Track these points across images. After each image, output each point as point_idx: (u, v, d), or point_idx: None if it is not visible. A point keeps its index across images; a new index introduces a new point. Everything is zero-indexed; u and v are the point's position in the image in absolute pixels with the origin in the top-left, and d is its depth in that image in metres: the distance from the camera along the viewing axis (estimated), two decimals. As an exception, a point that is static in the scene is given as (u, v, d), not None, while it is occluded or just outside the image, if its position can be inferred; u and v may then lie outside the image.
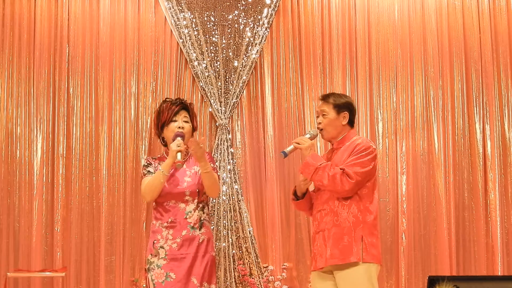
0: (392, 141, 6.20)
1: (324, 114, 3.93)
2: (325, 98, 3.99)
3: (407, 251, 6.07)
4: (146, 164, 3.92)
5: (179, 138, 3.85)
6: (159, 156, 4.03)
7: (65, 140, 6.02)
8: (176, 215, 3.85)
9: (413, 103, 6.27)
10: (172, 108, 3.94)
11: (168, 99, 4.06)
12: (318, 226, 3.86)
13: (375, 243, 3.80)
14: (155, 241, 3.84)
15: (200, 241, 3.90)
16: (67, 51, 6.11)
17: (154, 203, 3.94)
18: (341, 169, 3.76)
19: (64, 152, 6.00)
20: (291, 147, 3.95)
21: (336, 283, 3.81)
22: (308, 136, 3.97)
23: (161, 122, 3.94)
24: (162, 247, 3.81)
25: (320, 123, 3.95)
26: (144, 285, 5.70)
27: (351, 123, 3.97)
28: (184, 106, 4.01)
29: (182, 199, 3.88)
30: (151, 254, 3.84)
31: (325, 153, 4.17)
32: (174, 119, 3.93)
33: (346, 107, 3.95)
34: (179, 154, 3.80)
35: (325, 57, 6.28)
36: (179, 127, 3.91)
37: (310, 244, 6.06)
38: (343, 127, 3.94)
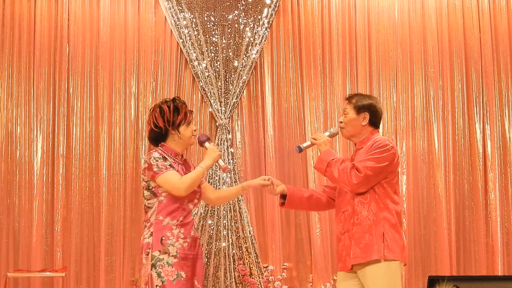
0: (392, 141, 6.18)
1: (345, 113, 3.99)
2: (349, 98, 4.06)
3: (407, 251, 6.07)
4: (162, 157, 3.87)
5: (211, 143, 3.93)
6: (160, 150, 3.96)
7: (65, 140, 6.02)
8: (186, 215, 3.86)
9: (413, 103, 6.27)
10: (190, 111, 3.97)
11: (178, 98, 4.04)
12: (343, 226, 3.88)
13: (398, 240, 3.80)
14: (163, 238, 3.80)
15: (199, 243, 3.92)
16: (67, 51, 6.11)
17: (161, 198, 3.88)
18: (351, 163, 3.80)
19: (64, 152, 6.01)
20: (308, 143, 4.05)
21: (360, 282, 3.84)
22: (327, 134, 4.06)
23: (180, 118, 3.92)
24: (172, 245, 3.79)
25: (341, 121, 4.01)
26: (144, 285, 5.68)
27: (373, 124, 3.98)
28: (192, 113, 4.05)
29: (192, 201, 3.89)
30: (159, 251, 3.80)
31: (349, 156, 4.22)
32: (191, 121, 3.97)
33: (367, 108, 3.97)
34: (221, 160, 3.92)
35: (325, 57, 6.28)
36: (195, 130, 3.97)
37: (310, 244, 6.07)
38: (363, 127, 3.96)
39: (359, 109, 3.96)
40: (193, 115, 4.03)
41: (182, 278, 3.76)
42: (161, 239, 3.78)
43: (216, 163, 3.96)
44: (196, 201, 3.92)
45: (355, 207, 3.82)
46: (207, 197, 4.10)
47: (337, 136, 4.41)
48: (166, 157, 3.88)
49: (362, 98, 4.03)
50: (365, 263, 3.75)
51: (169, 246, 3.77)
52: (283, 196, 4.13)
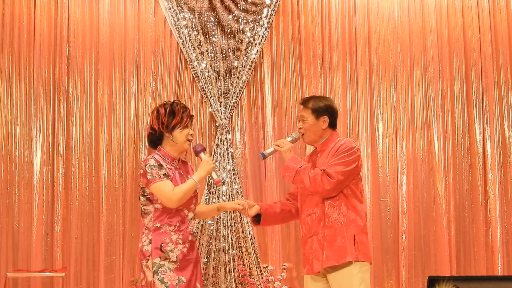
0: (392, 141, 6.20)
1: (303, 120, 3.93)
2: (304, 103, 3.98)
3: (407, 251, 6.07)
4: (157, 165, 3.84)
5: (206, 154, 3.89)
6: (157, 155, 3.94)
7: (65, 140, 6.02)
8: (182, 220, 3.85)
9: (413, 103, 6.27)
10: (187, 113, 3.93)
11: (178, 102, 4.01)
12: (310, 229, 3.87)
13: (366, 242, 3.84)
14: (162, 244, 3.81)
15: (197, 246, 3.93)
16: (67, 51, 6.11)
17: (156, 205, 3.89)
18: (321, 169, 3.77)
19: (64, 152, 6.00)
20: (271, 149, 3.97)
21: (328, 285, 3.83)
22: (289, 139, 3.98)
23: (174, 122, 3.89)
24: (172, 250, 3.80)
25: (300, 128, 3.95)
26: None
27: (332, 125, 3.96)
28: (192, 117, 4.02)
29: (188, 206, 3.88)
30: (160, 257, 3.80)
31: (307, 156, 4.18)
32: (188, 125, 3.93)
33: (325, 111, 3.93)
34: (214, 173, 3.86)
35: (325, 57, 6.28)
36: (191, 134, 3.92)
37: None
38: (324, 130, 3.94)
39: (318, 113, 3.91)
40: (192, 120, 3.99)
41: (183, 283, 3.77)
42: (160, 246, 3.79)
43: (210, 175, 3.91)
44: (192, 206, 3.91)
45: (326, 210, 3.80)
46: None
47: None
48: (162, 163, 3.86)
49: (318, 101, 3.97)
50: (338, 265, 3.75)
51: (168, 252, 3.78)
52: (256, 215, 4.04)
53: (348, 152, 3.80)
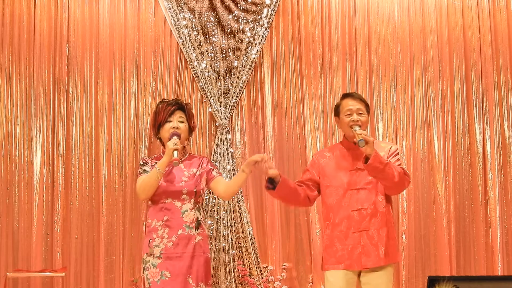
0: (392, 141, 6.20)
1: (361, 113, 3.94)
2: (358, 98, 4.02)
3: (407, 251, 6.07)
4: (142, 163, 3.96)
5: (175, 137, 3.90)
6: (155, 156, 4.07)
7: (65, 140, 6.02)
8: (172, 213, 3.87)
9: (413, 103, 6.27)
10: (168, 108, 3.98)
11: (164, 100, 4.09)
12: (357, 225, 3.84)
13: None
14: (150, 240, 3.85)
15: (196, 241, 3.90)
16: (67, 51, 6.11)
17: (149, 202, 3.95)
18: (401, 168, 3.84)
19: (64, 152, 6.00)
20: (361, 137, 3.77)
21: (352, 280, 3.84)
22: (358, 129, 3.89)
23: (157, 122, 3.98)
24: (157, 245, 3.82)
25: (358, 120, 3.92)
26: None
27: None
28: (179, 106, 4.04)
29: (179, 198, 3.89)
30: (146, 253, 3.85)
31: (328, 149, 4.19)
32: (169, 119, 3.96)
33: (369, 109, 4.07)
34: (175, 153, 3.84)
35: (325, 57, 6.28)
36: (174, 127, 3.94)
37: (310, 244, 6.07)
38: None
39: (368, 110, 4.00)
40: (178, 110, 4.03)
41: (166, 278, 3.79)
42: (149, 242, 3.83)
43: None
44: (185, 196, 3.90)
45: (382, 208, 3.83)
46: (218, 193, 4.06)
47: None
48: (148, 161, 3.98)
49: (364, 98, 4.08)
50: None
51: (154, 248, 3.82)
52: (271, 182, 3.92)
53: (398, 153, 3.94)
